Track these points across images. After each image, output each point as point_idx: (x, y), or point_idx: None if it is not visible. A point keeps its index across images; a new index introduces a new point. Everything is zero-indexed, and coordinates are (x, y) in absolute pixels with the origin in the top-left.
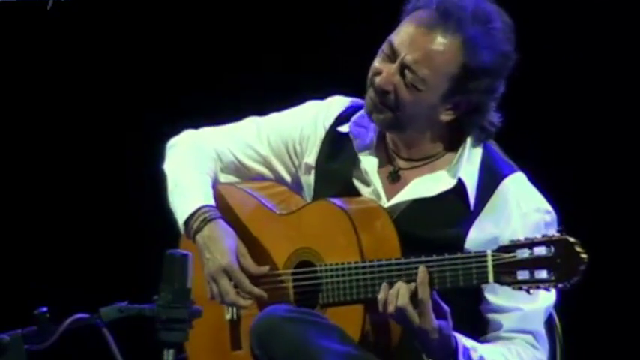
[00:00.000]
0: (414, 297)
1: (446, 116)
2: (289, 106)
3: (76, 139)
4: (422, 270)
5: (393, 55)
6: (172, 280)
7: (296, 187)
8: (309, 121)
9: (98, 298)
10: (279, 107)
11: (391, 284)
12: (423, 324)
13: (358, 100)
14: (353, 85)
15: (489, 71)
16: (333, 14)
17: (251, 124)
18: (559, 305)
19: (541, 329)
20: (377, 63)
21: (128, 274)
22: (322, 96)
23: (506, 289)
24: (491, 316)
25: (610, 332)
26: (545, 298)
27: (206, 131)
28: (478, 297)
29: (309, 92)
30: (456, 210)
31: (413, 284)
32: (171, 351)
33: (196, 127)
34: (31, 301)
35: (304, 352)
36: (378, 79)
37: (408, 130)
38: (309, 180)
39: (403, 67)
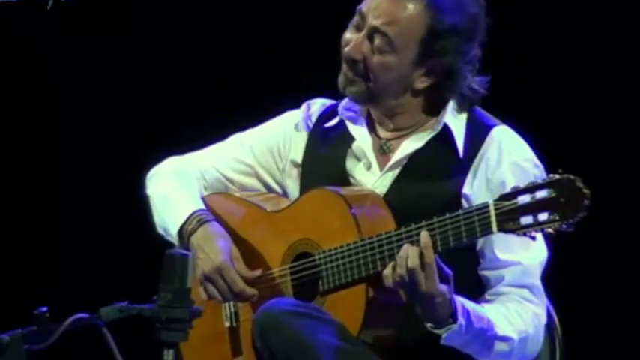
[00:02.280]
0: (421, 260)
1: (421, 83)
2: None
3: (76, 139)
4: (424, 234)
5: (362, 22)
6: (172, 280)
7: (284, 194)
8: (291, 125)
9: (98, 298)
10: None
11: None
12: (428, 288)
13: (334, 102)
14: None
15: (456, 32)
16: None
17: (233, 139)
18: (559, 305)
19: (537, 283)
20: (347, 34)
21: (128, 274)
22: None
23: (504, 242)
24: (488, 272)
25: (610, 332)
26: (540, 251)
27: (187, 156)
28: (476, 258)
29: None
30: (446, 157)
31: (419, 248)
32: (171, 351)
33: (199, 121)
34: (31, 301)
35: (304, 346)
36: (348, 48)
37: (382, 99)
38: (294, 178)
39: (371, 33)
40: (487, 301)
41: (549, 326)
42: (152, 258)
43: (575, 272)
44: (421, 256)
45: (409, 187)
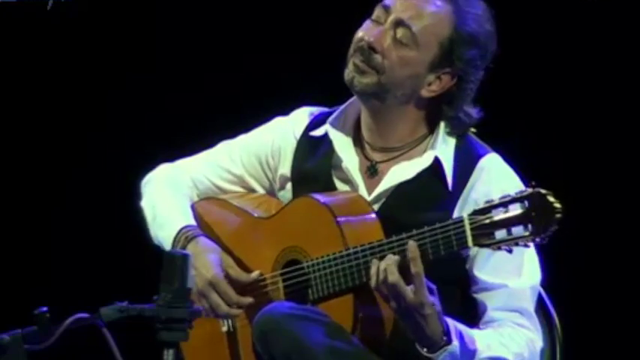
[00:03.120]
0: (404, 271)
1: (427, 92)
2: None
3: (76, 138)
4: (412, 244)
5: (384, 15)
6: (172, 280)
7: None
8: (279, 134)
9: (98, 298)
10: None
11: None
12: (417, 298)
13: (324, 109)
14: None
15: (475, 43)
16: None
17: (222, 147)
18: (559, 305)
19: (529, 308)
20: (363, 29)
21: (128, 274)
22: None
23: (491, 264)
24: (478, 296)
25: (610, 332)
26: (531, 276)
27: (180, 162)
28: (468, 281)
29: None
30: (435, 190)
31: (399, 257)
32: (171, 351)
33: (200, 123)
34: (31, 301)
35: (303, 348)
36: (368, 37)
37: (388, 98)
38: (286, 193)
39: (396, 24)
40: (480, 329)
41: (549, 326)
42: (152, 258)
43: (575, 272)
44: (407, 266)
45: (396, 216)
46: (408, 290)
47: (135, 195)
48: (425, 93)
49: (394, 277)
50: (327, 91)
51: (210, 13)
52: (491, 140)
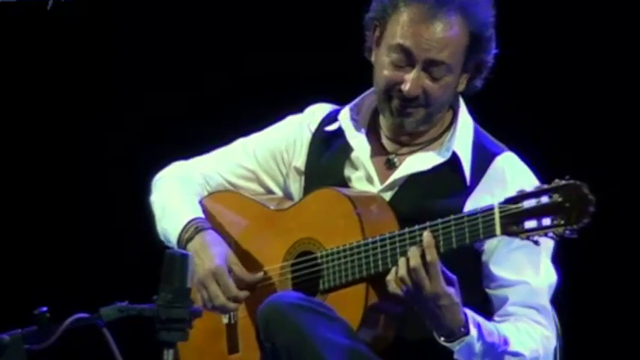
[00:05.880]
0: (424, 260)
1: (461, 85)
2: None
3: (77, 138)
4: (426, 234)
5: (409, 59)
6: (172, 280)
7: (287, 197)
8: (294, 129)
9: (98, 298)
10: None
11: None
12: (433, 288)
13: (338, 107)
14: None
15: (488, 25)
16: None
17: (236, 144)
18: (559, 305)
19: (547, 306)
20: (389, 72)
21: (128, 274)
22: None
23: (511, 261)
24: (497, 291)
25: (610, 332)
26: (548, 275)
27: (192, 160)
28: (483, 274)
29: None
30: (451, 183)
31: (421, 248)
32: (171, 351)
33: (199, 122)
34: (31, 301)
35: (306, 340)
36: (406, 88)
37: (436, 118)
38: (298, 184)
39: (427, 65)
40: (496, 322)
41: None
42: (152, 258)
43: (574, 272)
44: (423, 256)
45: (406, 205)
46: (427, 279)
47: (134, 195)
48: (460, 88)
49: (417, 261)
50: (340, 91)
51: (211, 11)
52: (506, 136)
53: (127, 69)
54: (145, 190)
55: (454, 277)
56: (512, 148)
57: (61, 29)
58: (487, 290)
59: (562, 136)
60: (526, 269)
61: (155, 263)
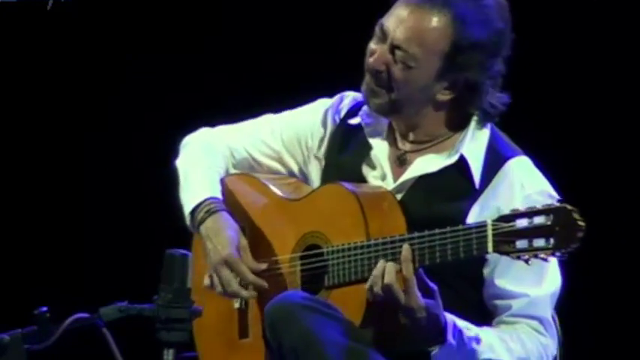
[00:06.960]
0: (400, 275)
1: (443, 96)
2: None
3: (77, 138)
4: (405, 248)
5: (383, 36)
6: (172, 280)
7: (305, 180)
8: (320, 116)
9: (98, 298)
10: (291, 105)
11: (389, 261)
12: (408, 302)
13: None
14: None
15: (481, 47)
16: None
17: (264, 121)
18: (559, 304)
19: (548, 316)
20: (371, 45)
21: (128, 274)
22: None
23: (513, 273)
24: (497, 302)
25: (610, 332)
26: (551, 284)
27: (221, 129)
28: (483, 283)
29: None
30: (459, 186)
31: (394, 264)
32: (171, 351)
33: (199, 124)
34: (31, 301)
35: (311, 341)
36: (371, 60)
37: (405, 111)
38: (317, 171)
39: (394, 47)
40: (491, 328)
41: None
42: (152, 258)
43: (574, 272)
44: (400, 270)
45: (413, 208)
46: (401, 294)
47: (135, 195)
48: (441, 97)
49: (390, 278)
50: (343, 90)
51: (211, 11)
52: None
53: (127, 69)
54: (145, 190)
55: (435, 287)
56: (529, 153)
57: (61, 29)
58: (488, 301)
59: (570, 138)
60: (528, 281)
61: (155, 263)
